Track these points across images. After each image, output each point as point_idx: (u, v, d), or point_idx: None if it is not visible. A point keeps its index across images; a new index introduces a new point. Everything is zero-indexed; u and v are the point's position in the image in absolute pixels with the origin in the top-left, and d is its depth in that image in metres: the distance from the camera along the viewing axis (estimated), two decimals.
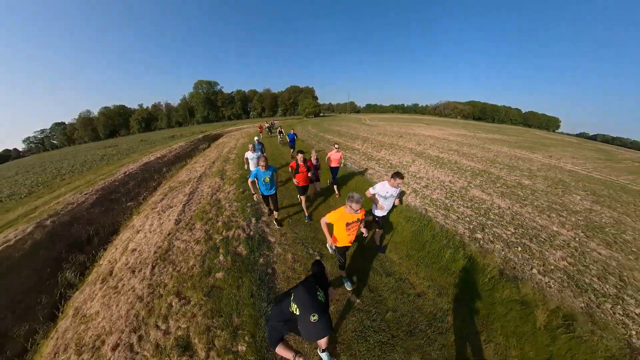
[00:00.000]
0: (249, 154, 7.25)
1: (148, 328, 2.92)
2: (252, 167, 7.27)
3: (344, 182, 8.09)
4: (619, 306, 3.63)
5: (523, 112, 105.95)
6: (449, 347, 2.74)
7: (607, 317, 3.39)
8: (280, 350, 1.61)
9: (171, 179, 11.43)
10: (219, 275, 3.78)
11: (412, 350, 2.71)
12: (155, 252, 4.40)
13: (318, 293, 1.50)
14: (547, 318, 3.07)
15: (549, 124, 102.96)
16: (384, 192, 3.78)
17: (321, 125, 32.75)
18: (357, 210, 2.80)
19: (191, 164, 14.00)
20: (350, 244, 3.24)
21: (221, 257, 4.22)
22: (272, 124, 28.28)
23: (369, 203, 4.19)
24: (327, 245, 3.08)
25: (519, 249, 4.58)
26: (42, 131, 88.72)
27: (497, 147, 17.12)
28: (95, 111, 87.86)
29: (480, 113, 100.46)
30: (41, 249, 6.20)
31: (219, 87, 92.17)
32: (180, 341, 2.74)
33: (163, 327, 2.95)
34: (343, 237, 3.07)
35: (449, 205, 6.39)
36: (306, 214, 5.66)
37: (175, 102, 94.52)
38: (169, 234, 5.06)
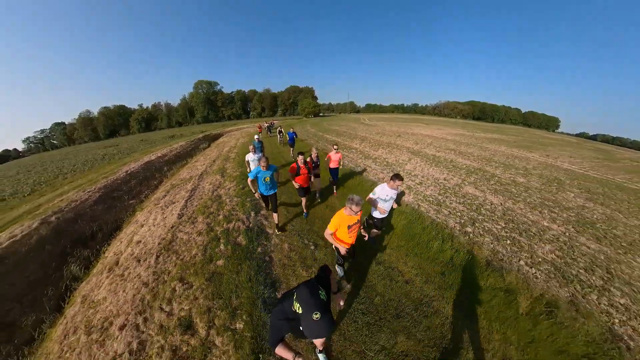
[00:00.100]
0: (250, 156, 7.10)
1: (153, 310, 3.15)
2: (253, 167, 7.10)
3: (342, 181, 8.18)
4: (604, 297, 3.76)
5: (523, 112, 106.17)
6: (433, 329, 2.93)
7: (591, 307, 3.54)
8: (280, 350, 1.63)
9: (172, 177, 11.61)
10: (220, 262, 4.04)
11: (398, 331, 2.90)
12: (159, 243, 4.63)
13: (320, 292, 1.51)
14: (530, 305, 3.25)
15: (549, 123, 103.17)
16: (384, 195, 3.76)
17: (320, 125, 32.91)
18: (357, 212, 2.82)
19: (192, 162, 14.19)
20: (349, 246, 3.24)
21: (222, 247, 4.49)
22: (271, 123, 28.45)
23: (368, 206, 4.22)
24: (342, 252, 3.00)
25: (508, 242, 4.76)
26: (42, 131, 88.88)
27: (495, 147, 17.22)
28: (95, 111, 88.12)
29: (480, 113, 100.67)
30: (46, 244, 6.37)
31: (219, 87, 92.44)
32: (183, 321, 2.96)
33: (167, 309, 3.18)
34: (345, 239, 3.09)
35: (441, 201, 6.55)
36: (304, 211, 5.72)
37: (175, 102, 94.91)
38: (172, 227, 5.28)
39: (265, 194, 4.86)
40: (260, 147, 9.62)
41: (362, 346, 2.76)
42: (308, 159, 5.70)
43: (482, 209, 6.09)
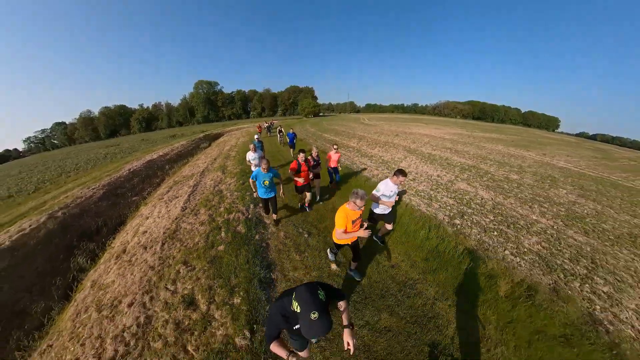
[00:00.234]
0: (250, 155, 7.19)
1: (159, 290, 3.45)
2: (253, 168, 7.25)
3: (345, 180, 8.25)
4: (587, 284, 3.91)
5: (522, 111, 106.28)
6: (415, 308, 3.18)
7: (573, 293, 3.69)
8: (274, 347, 1.66)
9: (175, 175, 11.87)
10: (221, 248, 4.39)
11: (383, 309, 3.16)
12: (164, 233, 4.94)
13: (319, 292, 1.51)
14: (511, 289, 3.47)
15: (549, 123, 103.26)
16: (388, 191, 3.77)
17: (320, 124, 33.14)
18: (362, 206, 2.82)
19: (193, 161, 14.45)
20: (355, 239, 3.26)
21: (223, 234, 4.84)
22: (271, 123, 28.65)
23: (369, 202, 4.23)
24: (364, 235, 2.89)
25: (495, 233, 4.98)
26: (43, 131, 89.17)
27: (492, 146, 17.34)
28: (95, 111, 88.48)
29: (480, 113, 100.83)
30: (54, 237, 6.62)
31: (219, 87, 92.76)
32: (186, 298, 3.27)
33: (171, 288, 3.49)
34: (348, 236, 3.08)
35: (432, 195, 6.77)
36: (306, 204, 5.81)
37: (175, 102, 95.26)
38: (176, 218, 5.59)
39: (263, 196, 4.80)
40: (260, 147, 9.84)
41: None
42: (309, 157, 5.80)
43: (472, 203, 6.31)
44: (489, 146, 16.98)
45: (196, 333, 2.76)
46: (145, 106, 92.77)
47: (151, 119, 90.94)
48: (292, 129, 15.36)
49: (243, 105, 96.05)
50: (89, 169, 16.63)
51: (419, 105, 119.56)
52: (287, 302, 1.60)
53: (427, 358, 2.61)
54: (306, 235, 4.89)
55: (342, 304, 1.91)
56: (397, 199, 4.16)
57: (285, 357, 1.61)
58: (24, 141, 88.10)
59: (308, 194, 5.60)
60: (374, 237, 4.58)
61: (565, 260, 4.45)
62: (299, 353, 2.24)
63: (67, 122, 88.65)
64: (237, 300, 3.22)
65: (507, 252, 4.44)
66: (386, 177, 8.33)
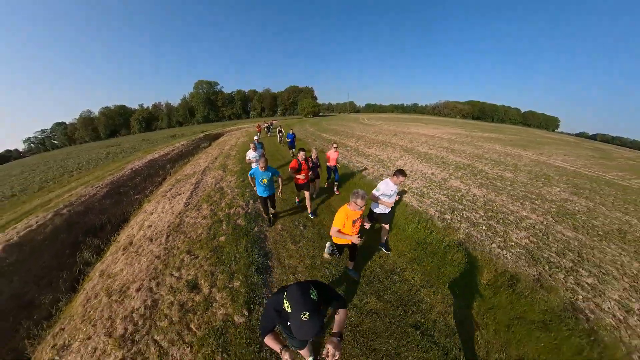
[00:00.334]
0: (251, 153, 7.19)
1: (164, 276, 3.74)
2: (253, 166, 7.13)
3: (343, 180, 8.21)
4: (571, 276, 4.05)
5: (522, 111, 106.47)
6: (400, 294, 3.42)
7: (557, 284, 3.84)
8: (268, 340, 1.64)
9: (176, 173, 12.10)
10: (222, 239, 4.72)
11: (370, 293, 3.41)
12: (168, 226, 5.24)
13: (311, 292, 1.48)
14: (494, 278, 3.69)
15: (548, 123, 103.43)
16: (388, 191, 3.78)
17: (319, 124, 33.33)
18: (362, 206, 2.84)
19: (194, 160, 14.68)
20: (351, 242, 3.29)
21: (224, 227, 5.16)
22: (270, 123, 28.80)
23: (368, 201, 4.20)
24: (356, 242, 3.01)
25: (484, 228, 5.18)
26: (43, 131, 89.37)
27: (489, 145, 17.42)
28: (96, 111, 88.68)
29: (480, 113, 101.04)
30: (60, 233, 6.84)
31: (219, 87, 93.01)
32: (190, 282, 3.57)
33: (176, 274, 3.78)
34: (348, 234, 3.12)
35: (425, 192, 6.98)
36: (309, 210, 5.73)
37: (175, 102, 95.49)
38: (179, 213, 5.89)
39: (262, 195, 4.82)
40: (260, 146, 10.03)
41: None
42: (308, 157, 5.84)
43: (463, 200, 6.52)
44: (486, 145, 17.07)
45: (199, 313, 3.03)
46: (145, 106, 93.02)
47: (151, 119, 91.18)
48: (291, 129, 15.29)
49: (243, 105, 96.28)
50: (91, 168, 16.87)
51: (419, 105, 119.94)
52: (280, 299, 1.57)
53: (409, 338, 2.81)
54: (302, 228, 5.21)
55: (340, 312, 1.81)
56: (397, 199, 4.15)
57: (278, 351, 1.59)
58: (24, 141, 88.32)
59: (307, 194, 5.65)
60: (379, 245, 4.51)
61: (551, 254, 4.58)
62: (300, 351, 2.33)
63: (67, 123, 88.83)
64: (236, 284, 3.52)
65: (494, 245, 4.63)
66: (381, 175, 8.62)
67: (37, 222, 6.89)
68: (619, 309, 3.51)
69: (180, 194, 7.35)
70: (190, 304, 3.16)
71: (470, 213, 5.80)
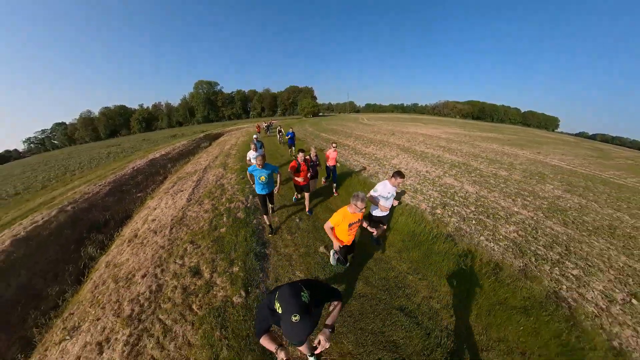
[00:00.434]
0: (251, 154, 7.00)
1: (168, 264, 4.01)
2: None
3: (341, 180, 8.20)
4: (557, 268, 4.19)
5: (522, 111, 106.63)
6: (388, 279, 3.65)
7: (541, 275, 3.98)
8: (264, 341, 1.64)
9: (177, 172, 12.31)
10: (223, 230, 5.01)
11: (359, 279, 3.64)
12: (172, 220, 5.53)
13: (302, 293, 1.46)
14: (478, 267, 3.89)
15: (548, 123, 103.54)
16: (385, 193, 3.75)
17: (319, 124, 33.53)
18: (362, 209, 2.83)
19: (195, 159, 14.90)
20: (349, 244, 3.33)
21: (224, 219, 5.46)
22: (270, 123, 28.98)
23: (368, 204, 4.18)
24: (335, 248, 3.10)
25: (474, 222, 5.37)
26: (43, 131, 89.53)
27: (486, 144, 17.54)
28: (96, 111, 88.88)
29: (479, 112, 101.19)
30: (65, 229, 7.04)
31: (219, 87, 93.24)
32: (192, 269, 3.83)
33: (180, 262, 4.04)
34: (344, 237, 3.12)
35: (418, 189, 7.17)
36: (307, 208, 5.80)
37: (175, 102, 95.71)
38: (182, 208, 6.18)
39: (260, 192, 4.80)
40: (260, 145, 10.12)
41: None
42: (307, 157, 5.87)
43: (456, 196, 6.71)
44: (483, 145, 17.17)
45: (200, 295, 3.29)
46: (145, 106, 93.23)
47: (151, 119, 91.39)
48: (291, 128, 15.28)
49: (243, 105, 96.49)
50: (93, 167, 17.08)
51: (419, 105, 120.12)
52: (272, 300, 1.55)
53: (394, 319, 3.02)
54: (297, 220, 5.51)
55: (334, 304, 1.84)
56: (397, 203, 4.10)
57: (274, 350, 1.60)
58: (24, 141, 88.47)
59: (307, 195, 5.69)
60: (371, 239, 4.58)
61: (539, 247, 4.72)
62: (299, 348, 2.40)
63: (67, 123, 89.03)
64: (235, 269, 3.81)
65: (482, 237, 4.82)
66: (377, 172, 8.81)
67: (42, 219, 7.10)
68: (603, 298, 3.63)
69: (183, 191, 7.61)
70: (192, 288, 3.40)
71: (461, 208, 5.98)
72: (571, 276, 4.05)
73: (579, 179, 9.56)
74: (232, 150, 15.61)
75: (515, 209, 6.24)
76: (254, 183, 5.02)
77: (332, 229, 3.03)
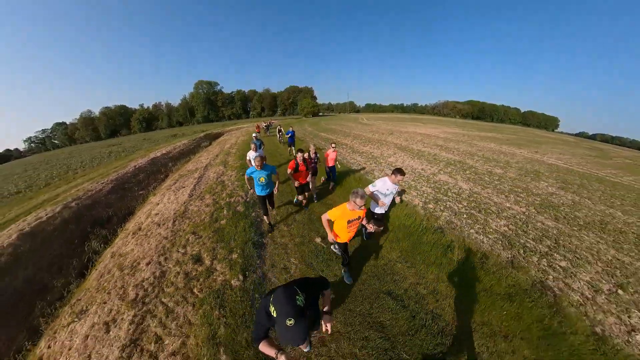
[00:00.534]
0: (251, 154, 6.85)
1: (172, 252, 4.27)
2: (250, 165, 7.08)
3: (339, 178, 8.10)
4: (545, 260, 4.29)
5: (522, 111, 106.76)
6: (377, 267, 3.85)
7: (528, 265, 4.08)
8: (262, 347, 1.63)
9: (178, 171, 12.51)
10: (223, 222, 5.31)
11: (351, 267, 3.74)
12: (174, 213, 5.83)
13: (297, 297, 1.47)
14: (465, 256, 4.05)
15: (548, 123, 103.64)
16: (384, 189, 3.71)
17: (318, 124, 33.70)
18: (361, 206, 2.77)
19: (196, 158, 15.11)
20: (349, 241, 3.28)
21: (225, 212, 5.76)
22: (270, 123, 29.12)
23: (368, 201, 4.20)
24: (329, 240, 3.07)
25: (465, 216, 5.54)
26: (43, 131, 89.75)
27: (484, 144, 17.58)
28: (96, 111, 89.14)
29: (479, 112, 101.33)
30: (69, 224, 7.23)
31: (219, 87, 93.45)
32: (194, 256, 4.09)
33: (182, 251, 4.31)
34: (343, 234, 3.06)
35: (412, 185, 7.34)
36: (303, 203, 5.88)
37: (175, 102, 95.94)
38: (184, 203, 6.46)
39: (260, 194, 4.71)
40: (260, 145, 10.17)
41: (319, 273, 3.74)
42: (306, 155, 5.78)
43: (449, 192, 6.88)
44: (480, 144, 17.22)
45: (201, 279, 3.53)
46: (145, 106, 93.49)
47: (151, 119, 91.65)
48: (291, 127, 15.04)
49: (243, 105, 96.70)
50: (95, 166, 17.26)
51: (419, 105, 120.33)
52: (268, 304, 1.55)
53: (382, 302, 3.20)
54: (294, 213, 5.77)
55: (325, 293, 1.91)
56: (397, 201, 4.05)
57: (274, 355, 1.58)
58: (25, 141, 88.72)
59: (306, 194, 5.73)
60: (363, 232, 4.59)
61: (528, 240, 4.83)
62: (300, 346, 2.41)
63: (67, 122, 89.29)
64: (234, 256, 4.09)
65: (472, 230, 4.97)
66: (373, 170, 8.97)
67: (46, 215, 7.28)
68: (589, 288, 3.73)
69: (184, 187, 7.88)
70: (194, 273, 3.64)
71: (453, 204, 6.15)
72: (558, 267, 4.15)
73: (574, 177, 9.62)
74: (232, 149, 15.83)
75: (508, 205, 6.34)
76: (251, 187, 4.90)
77: (329, 221, 2.99)
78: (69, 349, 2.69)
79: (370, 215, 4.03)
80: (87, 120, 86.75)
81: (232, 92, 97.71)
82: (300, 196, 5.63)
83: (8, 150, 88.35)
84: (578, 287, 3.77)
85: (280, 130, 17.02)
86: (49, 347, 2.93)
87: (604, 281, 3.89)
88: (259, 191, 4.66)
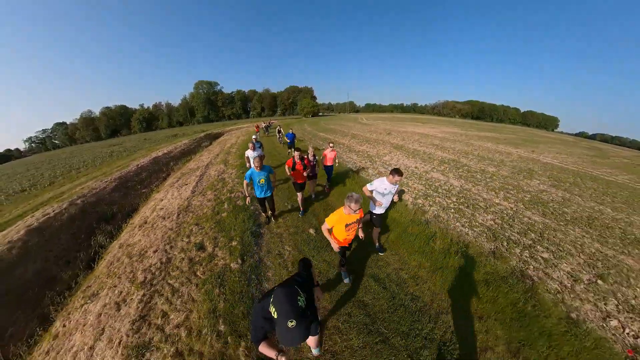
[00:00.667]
0: (250, 152, 7.06)
1: (177, 241, 4.72)
2: (248, 166, 7.32)
3: (335, 178, 8.10)
4: (527, 251, 4.45)
5: (522, 111, 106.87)
6: (364, 254, 4.15)
7: (510, 256, 4.26)
8: (263, 348, 1.62)
9: (180, 169, 12.84)
10: (224, 214, 5.77)
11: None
12: (178, 208, 6.28)
13: (299, 298, 1.45)
14: (448, 246, 4.30)
15: (548, 123, 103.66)
16: (382, 189, 3.69)
17: (318, 124, 34.00)
18: (357, 210, 2.75)
19: (197, 157, 15.47)
20: (348, 245, 3.28)
21: (226, 206, 6.23)
22: (269, 123, 29.24)
23: (367, 201, 4.19)
24: (334, 249, 3.07)
25: (452, 211, 5.78)
26: (44, 131, 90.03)
27: (481, 143, 17.67)
28: (96, 111, 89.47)
29: (479, 112, 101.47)
30: (75, 220, 7.52)
31: (219, 87, 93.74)
32: (197, 245, 4.52)
33: (186, 240, 4.74)
34: (342, 237, 3.08)
35: (404, 182, 7.56)
36: (301, 208, 5.77)
37: (175, 102, 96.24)
38: (187, 198, 6.90)
39: (260, 196, 4.66)
40: (259, 145, 10.34)
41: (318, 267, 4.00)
42: (305, 156, 5.75)
43: (439, 189, 7.12)
44: (477, 143, 17.30)
45: (204, 264, 3.91)
46: (145, 106, 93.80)
47: (152, 119, 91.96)
48: (291, 129, 15.06)
49: (243, 105, 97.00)
50: (97, 165, 17.55)
51: (419, 104, 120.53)
52: (266, 305, 1.53)
53: (364, 284, 3.49)
54: (289, 207, 6.21)
55: (312, 270, 2.14)
56: (395, 199, 4.01)
57: (274, 356, 1.57)
58: (25, 141, 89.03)
59: (300, 195, 5.62)
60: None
61: (513, 233, 5.01)
62: (311, 350, 2.52)
63: (68, 122, 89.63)
64: (234, 243, 4.52)
65: (458, 224, 5.21)
66: (367, 168, 9.24)
67: (54, 211, 7.57)
68: (568, 278, 3.89)
69: (187, 184, 8.31)
70: (197, 259, 4.04)
71: (442, 199, 6.40)
72: (540, 258, 4.32)
73: (568, 175, 9.74)
74: (232, 148, 16.16)
75: (497, 201, 6.52)
76: (248, 194, 4.84)
77: (329, 230, 2.99)
78: (84, 325, 2.99)
79: (370, 215, 4.11)
80: (88, 120, 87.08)
81: (232, 92, 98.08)
82: (299, 194, 5.63)
83: (8, 150, 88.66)
84: (558, 277, 3.94)
85: (280, 131, 16.77)
86: (64, 325, 3.23)
87: (584, 272, 4.04)
88: (258, 193, 4.62)
